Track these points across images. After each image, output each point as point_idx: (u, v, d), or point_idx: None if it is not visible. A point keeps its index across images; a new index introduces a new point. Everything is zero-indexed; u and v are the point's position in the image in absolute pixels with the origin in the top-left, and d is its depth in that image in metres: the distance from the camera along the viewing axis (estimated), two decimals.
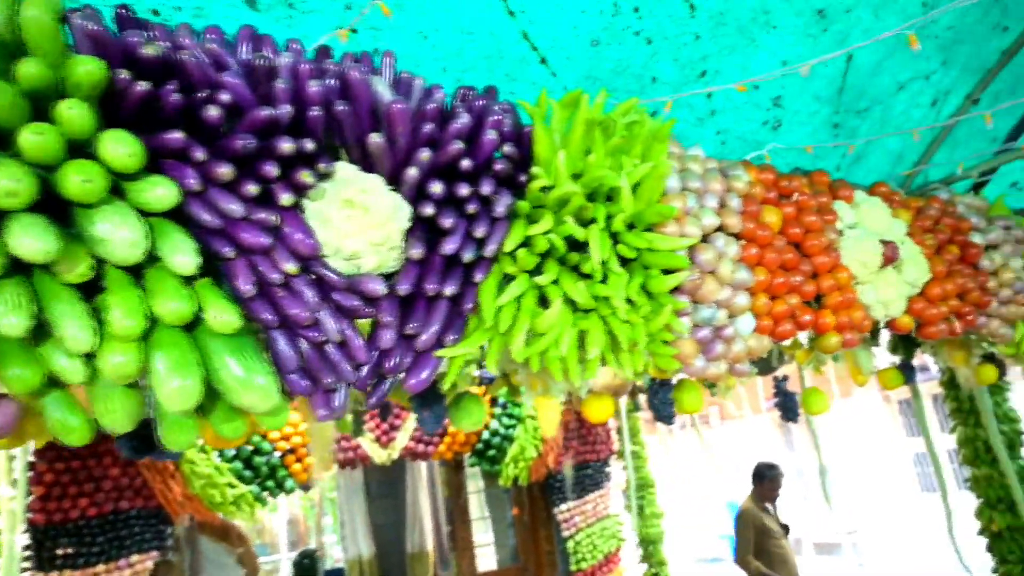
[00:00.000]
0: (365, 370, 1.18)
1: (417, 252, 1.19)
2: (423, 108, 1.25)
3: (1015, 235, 2.49)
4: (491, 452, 5.68)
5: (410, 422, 5.52)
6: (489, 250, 1.29)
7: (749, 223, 1.70)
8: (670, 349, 1.51)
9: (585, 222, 1.44)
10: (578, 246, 1.42)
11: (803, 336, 2.07)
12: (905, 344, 2.90)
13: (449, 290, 1.22)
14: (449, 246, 1.23)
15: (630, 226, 1.51)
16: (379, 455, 5.41)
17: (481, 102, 1.36)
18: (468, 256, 1.26)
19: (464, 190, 1.25)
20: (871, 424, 11.91)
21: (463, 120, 1.28)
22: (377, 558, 8.23)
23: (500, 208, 1.31)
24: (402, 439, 5.43)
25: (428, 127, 1.23)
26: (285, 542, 12.06)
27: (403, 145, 1.21)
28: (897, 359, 3.02)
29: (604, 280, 1.41)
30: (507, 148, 1.33)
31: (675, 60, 1.85)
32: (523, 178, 1.37)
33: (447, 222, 1.22)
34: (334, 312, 1.12)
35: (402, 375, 1.23)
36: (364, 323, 1.21)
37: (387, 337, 1.16)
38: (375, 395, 1.22)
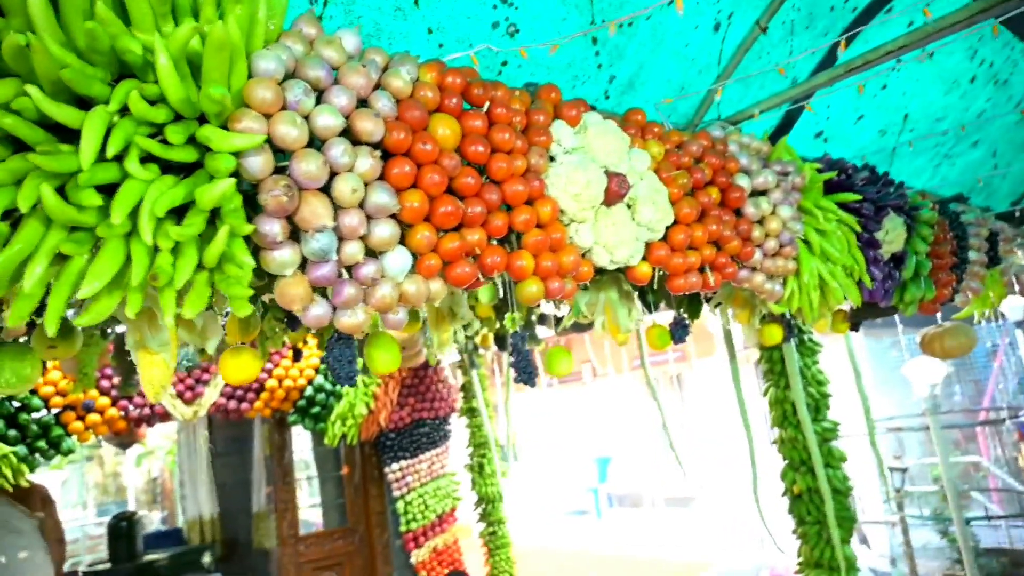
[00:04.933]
0: None
1: None
2: None
3: (792, 182, 2.25)
4: (315, 409, 5.23)
5: (220, 376, 5.00)
6: None
7: (400, 132, 1.31)
8: (241, 289, 1.12)
9: (94, 101, 1.01)
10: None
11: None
12: (689, 301, 2.67)
13: None
14: None
15: (204, 120, 1.10)
16: (183, 412, 4.87)
17: None
18: None
19: None
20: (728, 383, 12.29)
21: None
22: (220, 518, 7.73)
23: None
24: (210, 395, 4.90)
25: None
26: (133, 500, 11.29)
27: None
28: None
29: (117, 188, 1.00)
30: None
31: None
32: None
33: None
34: None
35: None
36: None
37: None
38: None
